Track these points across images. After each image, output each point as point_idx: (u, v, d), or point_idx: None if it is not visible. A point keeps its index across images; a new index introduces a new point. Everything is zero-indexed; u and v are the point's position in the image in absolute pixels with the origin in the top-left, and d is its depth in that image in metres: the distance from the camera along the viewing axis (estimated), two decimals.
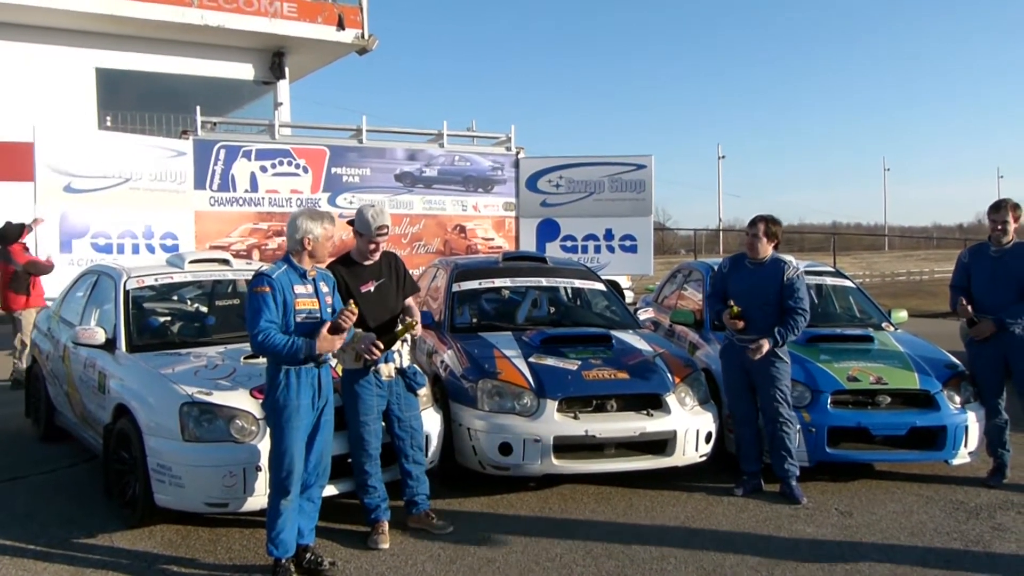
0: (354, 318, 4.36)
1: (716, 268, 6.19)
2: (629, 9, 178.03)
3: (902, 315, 7.35)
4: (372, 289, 4.88)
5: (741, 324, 5.66)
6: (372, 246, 4.85)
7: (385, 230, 4.82)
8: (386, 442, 4.92)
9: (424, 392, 5.16)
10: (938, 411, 5.80)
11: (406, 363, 4.89)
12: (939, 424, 5.77)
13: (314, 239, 4.33)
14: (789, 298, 5.57)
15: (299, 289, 4.31)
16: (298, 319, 4.27)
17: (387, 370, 4.79)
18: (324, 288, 4.46)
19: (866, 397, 5.87)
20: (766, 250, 5.73)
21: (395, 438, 4.92)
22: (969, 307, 5.91)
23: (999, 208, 5.84)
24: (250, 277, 4.78)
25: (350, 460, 4.85)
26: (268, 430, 4.40)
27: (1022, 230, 6.04)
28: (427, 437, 5.15)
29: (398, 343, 4.76)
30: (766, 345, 5.50)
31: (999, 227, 5.81)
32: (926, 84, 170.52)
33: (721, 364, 5.99)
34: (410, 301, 5.06)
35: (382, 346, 4.58)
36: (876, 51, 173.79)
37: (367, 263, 4.92)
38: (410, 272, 5.24)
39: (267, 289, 4.21)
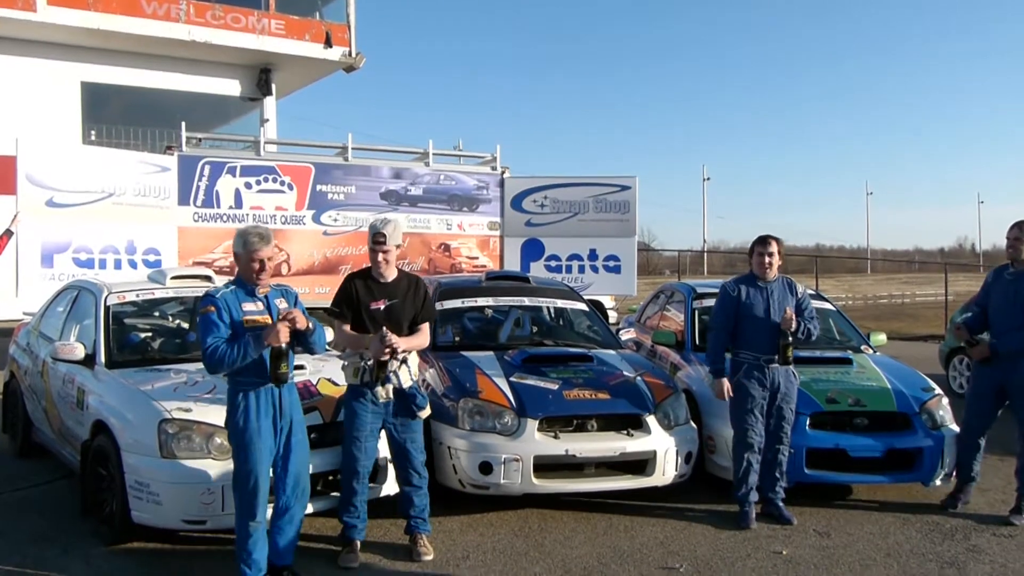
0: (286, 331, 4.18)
1: (725, 293, 5.75)
2: (615, 30, 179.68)
3: (881, 338, 7.43)
4: (381, 308, 4.85)
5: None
6: (373, 255, 4.89)
7: (382, 238, 4.84)
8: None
9: (426, 413, 5.00)
10: (915, 434, 5.85)
11: (406, 384, 4.79)
12: (916, 446, 5.82)
13: (238, 256, 4.28)
14: (805, 311, 5.68)
15: (248, 307, 4.24)
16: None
17: (384, 393, 4.74)
18: (281, 304, 4.35)
19: (844, 419, 5.92)
20: (777, 270, 5.74)
21: (393, 458, 4.98)
22: (964, 330, 5.95)
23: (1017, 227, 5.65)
24: None
25: (331, 478, 4.83)
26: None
27: None
28: None
29: (395, 364, 4.71)
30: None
31: (1011, 247, 5.68)
32: (909, 109, 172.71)
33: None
34: (424, 328, 5.04)
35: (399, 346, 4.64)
36: (861, 75, 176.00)
37: (383, 281, 4.92)
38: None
39: (211, 308, 4.17)
